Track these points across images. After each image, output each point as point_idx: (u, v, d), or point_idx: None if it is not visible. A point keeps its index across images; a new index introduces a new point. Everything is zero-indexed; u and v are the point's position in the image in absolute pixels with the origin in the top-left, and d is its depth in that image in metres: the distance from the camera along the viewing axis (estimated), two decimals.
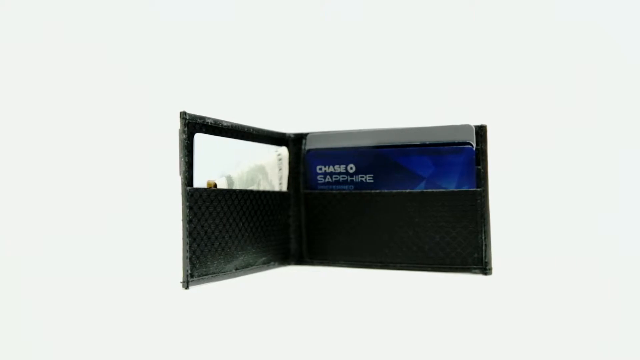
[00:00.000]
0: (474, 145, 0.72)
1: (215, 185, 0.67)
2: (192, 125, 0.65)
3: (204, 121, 0.67)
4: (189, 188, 0.63)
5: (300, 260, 0.81)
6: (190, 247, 0.63)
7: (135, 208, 1.03)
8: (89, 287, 0.65)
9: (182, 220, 0.63)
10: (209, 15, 1.11)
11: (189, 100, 0.88)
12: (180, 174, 0.63)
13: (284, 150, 0.79)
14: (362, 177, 0.77)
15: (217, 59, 1.10)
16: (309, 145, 0.80)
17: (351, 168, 0.77)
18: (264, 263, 0.75)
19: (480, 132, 0.72)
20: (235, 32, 1.11)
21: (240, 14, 1.11)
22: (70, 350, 0.42)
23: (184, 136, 0.64)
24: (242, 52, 1.10)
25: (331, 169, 0.79)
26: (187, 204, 0.63)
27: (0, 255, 0.92)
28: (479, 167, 0.71)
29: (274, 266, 0.77)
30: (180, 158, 0.63)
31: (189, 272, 0.63)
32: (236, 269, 0.70)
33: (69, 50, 1.08)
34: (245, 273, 0.72)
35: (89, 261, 0.85)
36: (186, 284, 0.62)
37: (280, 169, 0.78)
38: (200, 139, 0.65)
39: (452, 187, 0.73)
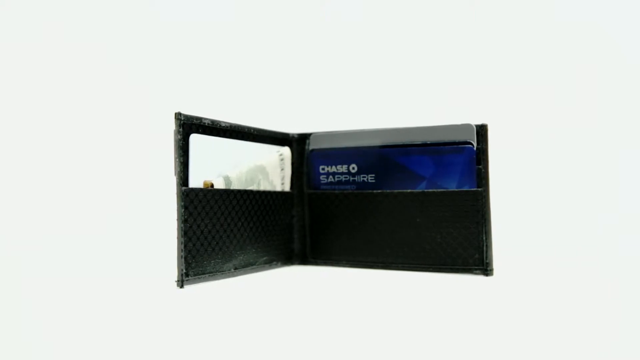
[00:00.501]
0: (475, 144, 0.71)
1: (211, 185, 0.67)
2: (188, 126, 0.65)
3: (200, 122, 0.67)
4: (184, 188, 0.63)
5: (304, 260, 0.81)
6: (185, 246, 0.63)
7: (134, 208, 1.04)
8: (85, 285, 0.66)
9: (177, 219, 0.63)
10: (213, 16, 1.11)
11: (193, 102, 0.89)
12: (175, 174, 0.63)
13: (286, 151, 0.79)
14: (364, 177, 0.77)
15: (222, 61, 1.10)
16: (312, 145, 0.80)
17: (353, 168, 0.77)
18: (265, 263, 0.75)
19: (481, 131, 0.71)
20: (240, 33, 1.11)
21: (244, 15, 1.11)
22: (63, 349, 0.42)
23: (179, 137, 0.64)
24: (247, 54, 1.11)
25: (334, 169, 0.78)
26: (182, 203, 0.63)
27: None
28: (480, 166, 0.71)
29: (277, 266, 0.77)
30: (176, 158, 0.64)
31: (184, 271, 0.63)
32: (235, 269, 0.70)
33: (65, 50, 1.08)
34: (246, 272, 0.72)
35: (86, 260, 0.86)
36: (181, 283, 0.62)
37: (282, 169, 0.78)
38: (196, 139, 0.66)
39: (452, 187, 0.72)
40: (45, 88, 1.07)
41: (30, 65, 1.07)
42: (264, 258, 0.75)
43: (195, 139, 0.66)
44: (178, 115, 0.64)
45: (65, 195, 1.06)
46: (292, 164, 0.80)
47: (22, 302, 0.59)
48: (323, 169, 0.79)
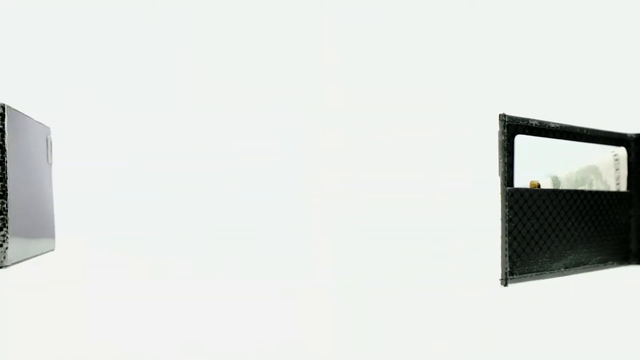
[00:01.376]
0: None
1: (539, 185, 0.68)
2: (514, 127, 0.67)
3: (527, 123, 0.68)
4: (508, 188, 0.65)
5: None
6: (509, 245, 0.65)
7: (461, 207, 1.06)
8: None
9: (501, 219, 0.65)
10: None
11: (525, 104, 0.89)
12: (499, 175, 0.65)
13: (621, 151, 0.77)
14: None
15: (558, 65, 1.09)
16: None
17: None
18: (599, 262, 0.74)
19: None
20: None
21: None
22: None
23: (503, 137, 0.66)
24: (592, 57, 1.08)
25: None
26: (507, 203, 0.65)
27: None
28: None
29: (612, 266, 0.76)
30: (500, 159, 0.66)
31: (508, 269, 0.65)
32: (565, 268, 0.70)
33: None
34: (577, 272, 0.72)
35: (409, 254, 0.90)
36: (505, 282, 0.64)
37: (617, 169, 0.77)
38: (522, 140, 0.67)
39: None
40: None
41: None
42: (598, 257, 0.74)
43: (520, 140, 0.67)
44: (502, 117, 0.66)
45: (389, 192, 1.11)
46: (629, 164, 0.78)
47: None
48: None
